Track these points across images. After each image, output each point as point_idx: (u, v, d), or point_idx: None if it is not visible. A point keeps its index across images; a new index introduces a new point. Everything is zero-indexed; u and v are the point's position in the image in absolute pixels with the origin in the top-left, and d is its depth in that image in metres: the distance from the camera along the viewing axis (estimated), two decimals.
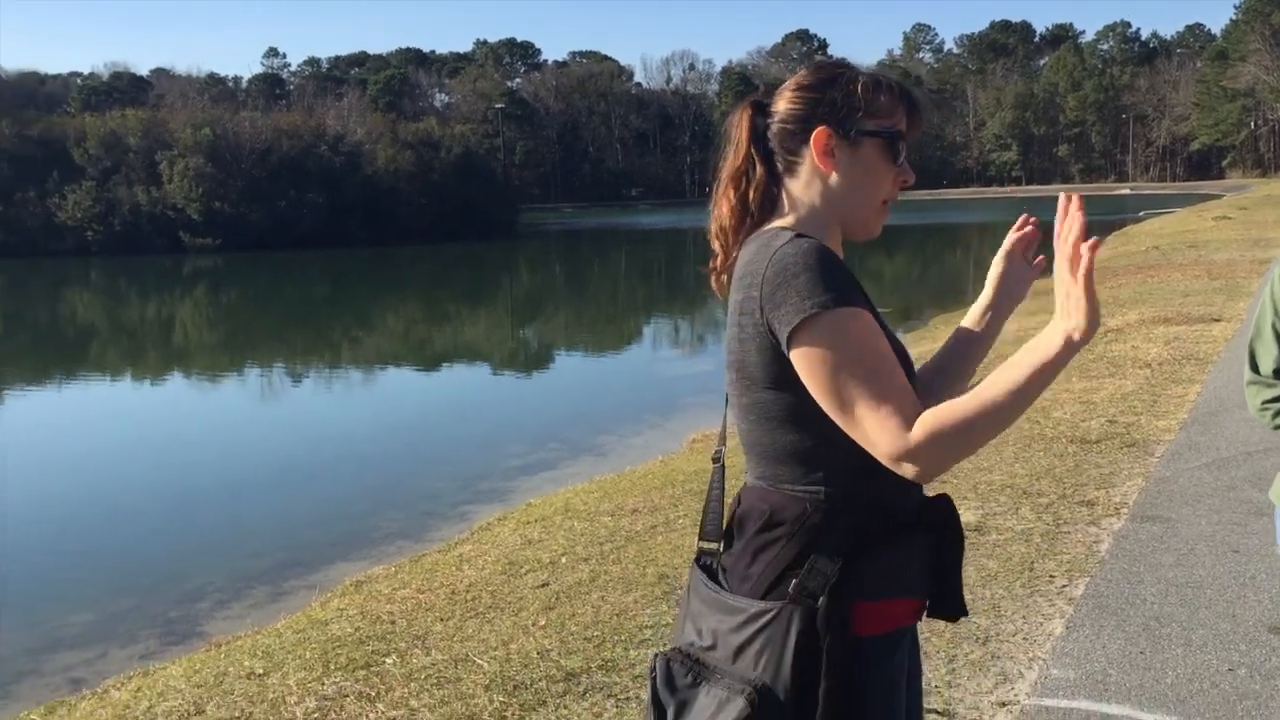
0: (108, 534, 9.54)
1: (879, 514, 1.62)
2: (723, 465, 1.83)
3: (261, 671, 4.37)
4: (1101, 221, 52.55)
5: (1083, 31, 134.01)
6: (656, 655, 1.71)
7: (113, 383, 20.15)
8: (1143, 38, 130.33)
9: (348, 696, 3.94)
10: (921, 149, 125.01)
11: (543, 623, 4.50)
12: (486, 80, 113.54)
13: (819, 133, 1.67)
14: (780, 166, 1.72)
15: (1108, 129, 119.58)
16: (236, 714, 3.92)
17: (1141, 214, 54.34)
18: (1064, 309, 1.42)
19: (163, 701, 4.21)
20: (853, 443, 1.57)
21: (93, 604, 7.60)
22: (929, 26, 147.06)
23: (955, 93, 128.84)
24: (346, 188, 59.45)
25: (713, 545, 1.71)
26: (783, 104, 1.71)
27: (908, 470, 1.50)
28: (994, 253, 1.98)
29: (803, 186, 1.71)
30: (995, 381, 1.46)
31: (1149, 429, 7.28)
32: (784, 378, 1.59)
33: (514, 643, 4.29)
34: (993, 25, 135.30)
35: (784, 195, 1.72)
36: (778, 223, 1.70)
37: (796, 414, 1.60)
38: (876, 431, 1.50)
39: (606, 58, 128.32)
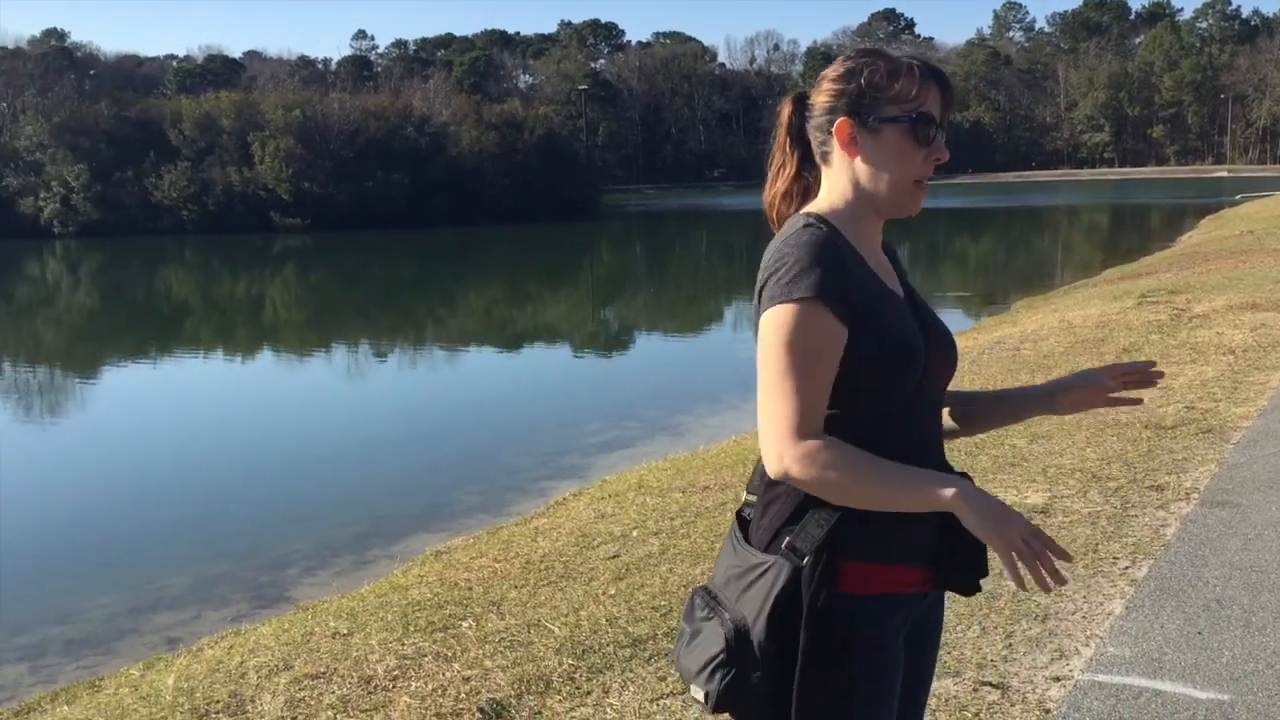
0: (203, 503, 9.95)
1: None
2: None
3: (346, 631, 4.60)
4: (1196, 205, 51.32)
5: (1180, 9, 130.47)
6: (693, 588, 1.87)
7: (205, 358, 20.80)
8: (1243, 15, 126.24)
9: (425, 656, 4.15)
10: (1009, 130, 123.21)
11: (612, 592, 4.67)
12: (570, 61, 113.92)
13: (840, 124, 1.79)
14: (818, 156, 1.85)
15: (1205, 109, 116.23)
16: (321, 669, 4.15)
17: (1238, 197, 52.85)
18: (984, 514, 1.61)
19: (253, 658, 4.46)
20: (856, 412, 1.71)
21: (189, 568, 7.98)
22: (1020, 4, 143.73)
23: (1046, 72, 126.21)
24: (431, 168, 60.27)
25: (752, 497, 1.83)
26: (816, 98, 1.83)
27: (772, 469, 1.67)
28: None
29: (836, 174, 1.82)
30: (884, 471, 1.64)
31: (1226, 415, 7.22)
32: None
33: (584, 610, 4.47)
34: (1086, 3, 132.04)
35: (823, 182, 1.85)
36: (810, 207, 1.83)
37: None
38: (772, 429, 1.66)
39: (690, 38, 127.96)
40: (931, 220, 58.03)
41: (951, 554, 1.79)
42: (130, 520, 9.50)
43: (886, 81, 1.77)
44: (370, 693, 3.89)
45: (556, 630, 4.27)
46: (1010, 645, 3.89)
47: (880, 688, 1.76)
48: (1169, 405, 7.59)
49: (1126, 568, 4.58)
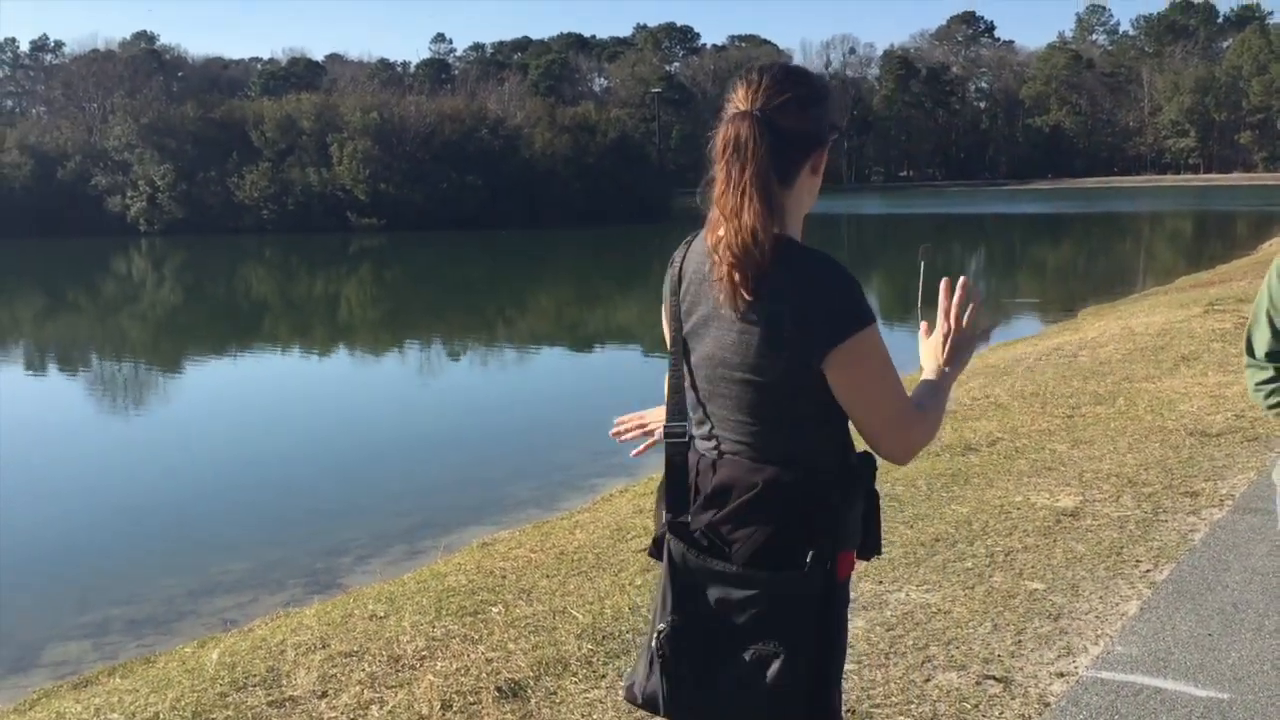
0: (268, 492, 10.29)
1: (850, 479, 1.90)
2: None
3: (382, 614, 4.80)
4: None
5: (1271, 12, 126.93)
6: (663, 633, 1.91)
7: (282, 354, 21.34)
8: None
9: (454, 638, 4.32)
10: (1090, 134, 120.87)
11: (638, 583, 4.81)
12: (645, 65, 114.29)
13: (818, 154, 1.92)
14: (778, 177, 1.85)
15: None
16: (355, 648, 4.34)
17: None
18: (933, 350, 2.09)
19: (294, 636, 4.67)
20: (841, 419, 1.91)
21: (249, 554, 8.27)
22: (1103, 7, 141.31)
23: (1129, 76, 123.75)
24: (505, 170, 60.89)
25: (685, 518, 1.92)
26: (787, 121, 1.85)
27: (904, 450, 1.99)
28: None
29: (795, 196, 1.90)
30: (936, 399, 2.07)
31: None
32: (810, 374, 1.85)
33: (609, 599, 4.61)
34: (1172, 6, 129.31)
35: (784, 204, 1.87)
36: (789, 233, 1.88)
37: (819, 398, 1.88)
38: (897, 420, 1.93)
39: (765, 41, 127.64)
40: (1008, 226, 57.34)
41: (870, 528, 1.95)
42: (197, 507, 9.86)
43: (827, 99, 1.95)
44: (397, 670, 4.07)
45: (580, 617, 4.42)
46: (1020, 642, 3.96)
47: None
48: (1218, 413, 7.54)
49: (1148, 570, 4.61)
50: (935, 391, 2.03)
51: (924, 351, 2.11)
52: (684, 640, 1.89)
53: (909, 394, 1.94)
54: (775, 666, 1.82)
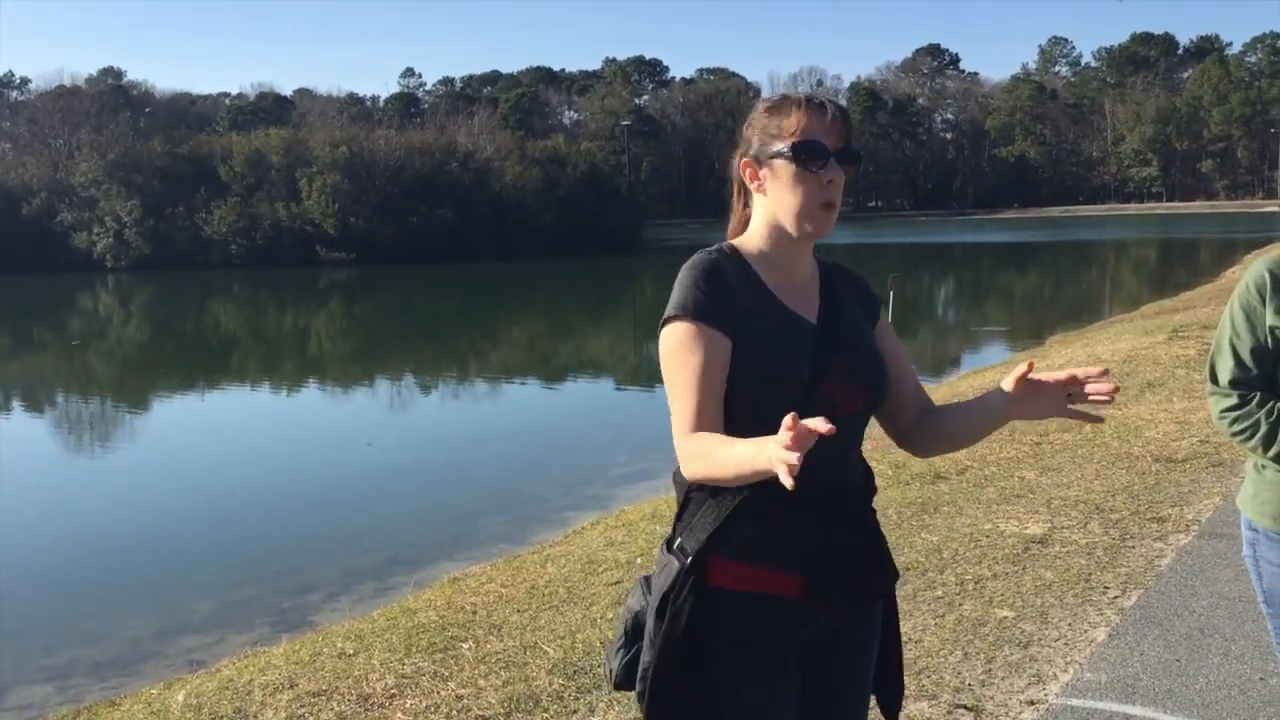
0: (236, 530, 10.16)
1: (760, 488, 1.81)
2: None
3: (351, 652, 4.76)
4: (1246, 239, 50.72)
5: (1229, 43, 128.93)
6: (640, 575, 2.07)
7: (251, 390, 21.18)
8: None
9: (423, 675, 4.29)
10: (1055, 164, 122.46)
11: (610, 616, 4.79)
12: (614, 98, 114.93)
13: (741, 165, 2.00)
14: (751, 198, 2.04)
15: (1255, 144, 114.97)
16: (324, 687, 4.30)
17: None
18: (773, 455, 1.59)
19: (261, 676, 4.62)
20: (737, 424, 1.86)
21: (217, 593, 8.17)
22: (1066, 39, 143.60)
23: (1092, 107, 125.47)
24: (475, 204, 60.95)
25: None
26: (740, 148, 2.03)
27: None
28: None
29: (755, 209, 2.02)
30: (717, 454, 1.73)
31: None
32: None
33: (580, 633, 4.59)
34: (1133, 37, 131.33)
35: (750, 220, 2.04)
36: (732, 240, 2.04)
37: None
38: (673, 426, 1.86)
39: (734, 74, 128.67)
40: (975, 255, 57.84)
41: (827, 563, 1.90)
42: (164, 546, 9.74)
43: (770, 120, 1.95)
44: (367, 709, 4.03)
45: (551, 652, 4.39)
46: (990, 670, 3.97)
47: (740, 684, 1.86)
48: (1184, 439, 7.61)
49: (1116, 597, 4.64)
50: (727, 453, 1.72)
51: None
52: (638, 586, 2.06)
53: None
54: (620, 634, 1.99)
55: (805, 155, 1.90)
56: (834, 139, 1.92)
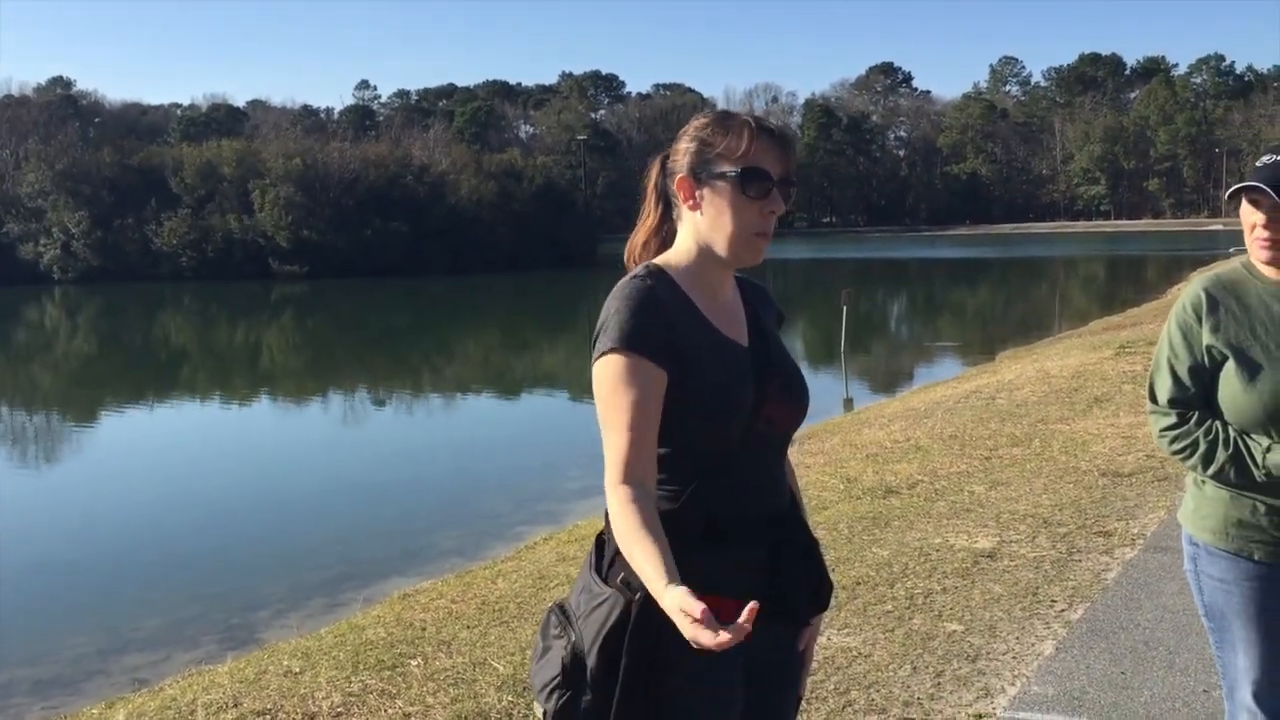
0: (183, 546, 10.02)
1: (708, 520, 1.85)
2: None
3: (297, 670, 4.69)
4: (1191, 257, 51.66)
5: (1175, 64, 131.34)
6: (551, 604, 1.97)
7: (201, 404, 20.93)
8: (1237, 71, 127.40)
9: (371, 693, 4.24)
10: (1006, 182, 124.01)
11: None
12: (570, 112, 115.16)
13: (679, 181, 1.93)
14: (675, 213, 1.98)
15: (1200, 163, 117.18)
16: (269, 706, 4.24)
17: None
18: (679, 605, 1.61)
19: (205, 695, 4.55)
20: (676, 457, 1.84)
21: (163, 611, 8.04)
22: (1016, 59, 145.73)
23: (1042, 125, 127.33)
24: (430, 217, 60.69)
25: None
26: (672, 158, 1.96)
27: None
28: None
29: (684, 227, 1.96)
30: (637, 548, 1.71)
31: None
32: None
33: (530, 649, 4.55)
34: (1082, 58, 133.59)
35: (677, 235, 1.98)
36: (656, 259, 1.97)
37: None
38: (608, 463, 1.80)
39: (690, 90, 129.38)
40: (928, 271, 58.45)
41: (780, 586, 1.90)
42: (108, 562, 9.58)
43: (717, 139, 1.89)
44: None
45: (500, 668, 4.36)
46: (939, 684, 3.98)
47: (697, 715, 1.85)
48: (1130, 454, 7.71)
49: (1062, 610, 4.68)
50: (651, 567, 1.69)
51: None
52: (552, 617, 1.99)
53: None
54: (555, 671, 1.86)
55: (751, 182, 1.87)
56: (779, 168, 1.89)
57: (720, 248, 1.91)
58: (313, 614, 7.62)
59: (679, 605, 1.59)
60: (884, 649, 4.31)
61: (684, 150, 1.93)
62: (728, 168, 1.88)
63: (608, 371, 1.82)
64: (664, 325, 1.83)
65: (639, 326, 1.81)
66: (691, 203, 1.92)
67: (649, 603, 1.76)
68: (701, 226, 1.92)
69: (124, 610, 8.10)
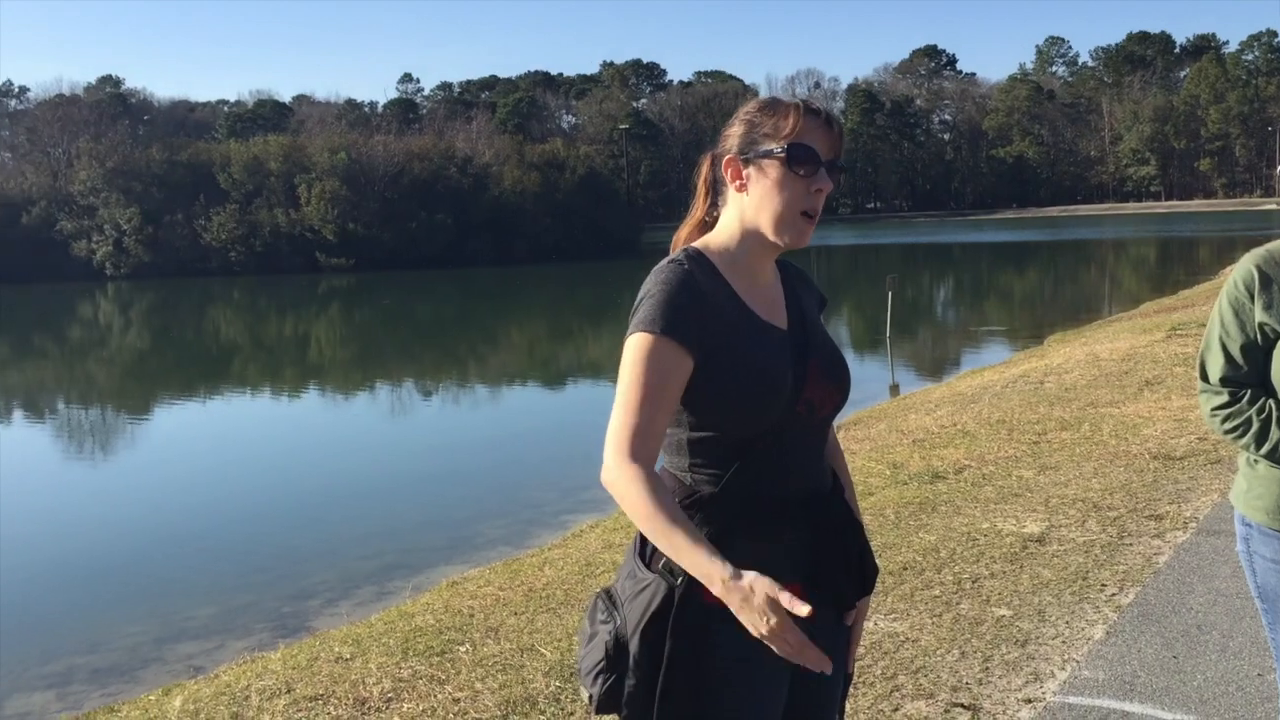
0: (235, 536, 10.16)
1: (748, 503, 1.85)
2: None
3: (348, 656, 4.75)
4: (1244, 237, 50.76)
5: (1226, 42, 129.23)
6: (598, 590, 1.99)
7: (251, 396, 21.18)
8: None
9: (420, 679, 4.28)
10: (1053, 164, 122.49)
11: None
12: (612, 101, 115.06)
13: (726, 162, 1.93)
14: (721, 201, 1.99)
15: (1253, 142, 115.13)
16: (321, 692, 4.29)
17: None
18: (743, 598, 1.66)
19: (258, 681, 4.62)
20: (716, 441, 1.84)
21: (216, 599, 8.17)
22: (1062, 39, 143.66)
23: (1090, 106, 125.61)
24: (474, 208, 61.01)
25: None
26: (720, 146, 1.97)
27: (602, 476, 1.80)
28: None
29: (729, 211, 1.96)
30: (653, 512, 1.72)
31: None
32: None
33: (577, 635, 4.57)
34: (1130, 37, 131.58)
35: (720, 220, 1.98)
36: (696, 242, 1.97)
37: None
38: (610, 439, 1.80)
39: (731, 77, 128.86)
40: (974, 255, 57.88)
41: (822, 568, 1.90)
42: (163, 552, 9.73)
43: (765, 119, 1.90)
44: (363, 714, 4.02)
45: (548, 654, 4.39)
46: (988, 669, 3.96)
47: (742, 699, 1.85)
48: (1181, 437, 7.61)
49: (1113, 594, 4.63)
50: (686, 551, 1.71)
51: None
52: (599, 602, 1.99)
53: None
54: (600, 655, 1.87)
55: (798, 158, 1.86)
56: (827, 149, 1.89)
57: (766, 228, 1.91)
58: (362, 602, 7.71)
59: (764, 590, 1.63)
60: (931, 634, 4.29)
61: (733, 134, 1.94)
62: (775, 145, 1.88)
63: (633, 350, 1.83)
64: (697, 310, 1.83)
65: (670, 310, 1.82)
66: (739, 183, 1.92)
67: (692, 587, 1.78)
68: (748, 207, 1.92)
69: (179, 600, 8.24)
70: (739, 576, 1.66)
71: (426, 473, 12.73)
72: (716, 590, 1.68)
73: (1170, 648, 4.02)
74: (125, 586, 8.76)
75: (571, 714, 3.81)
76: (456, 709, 3.93)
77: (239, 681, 4.75)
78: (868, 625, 4.41)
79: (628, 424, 1.79)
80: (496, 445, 14.33)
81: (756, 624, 1.66)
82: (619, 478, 1.76)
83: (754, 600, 1.64)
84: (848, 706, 3.71)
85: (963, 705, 3.67)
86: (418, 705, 4.02)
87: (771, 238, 1.91)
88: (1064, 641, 4.17)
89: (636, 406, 1.79)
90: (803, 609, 1.62)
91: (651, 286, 1.86)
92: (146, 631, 7.58)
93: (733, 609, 1.67)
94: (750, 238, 1.93)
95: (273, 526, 10.48)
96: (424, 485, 11.99)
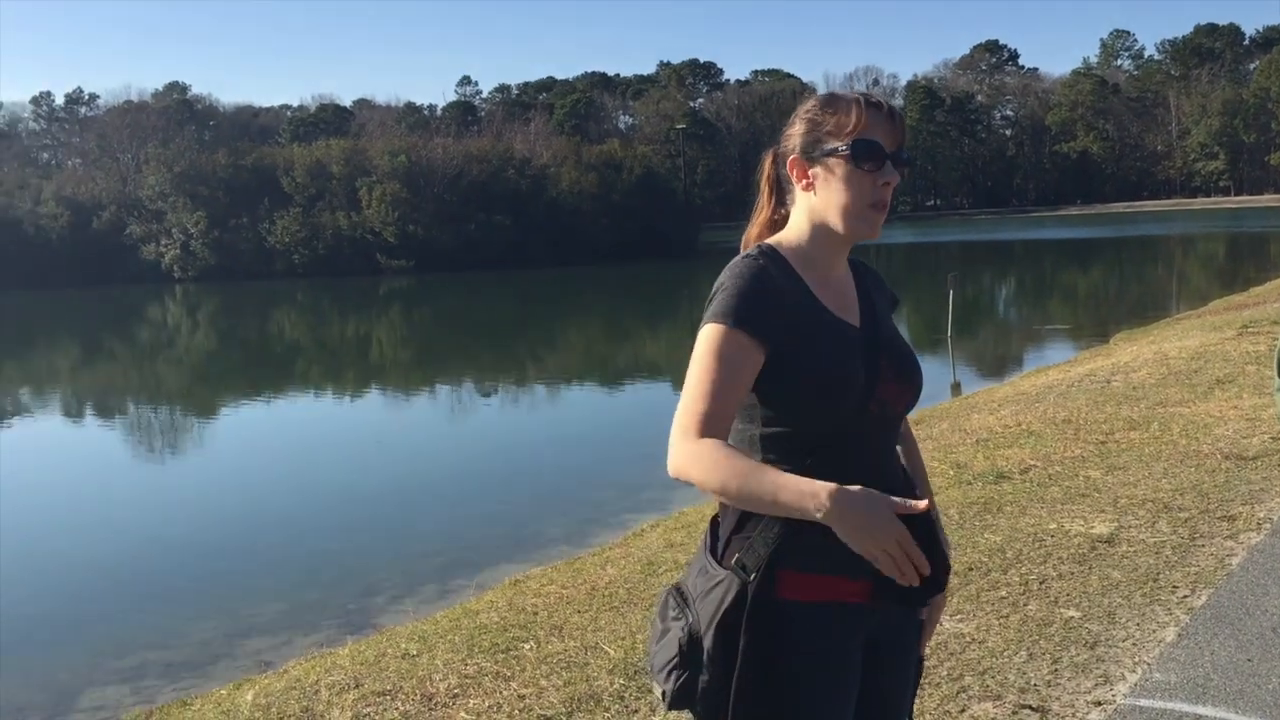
0: (302, 535, 10.33)
1: None
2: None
3: (415, 653, 4.81)
4: None
5: None
6: (668, 586, 1.99)
7: (315, 397, 21.49)
8: None
9: (486, 676, 4.33)
10: (1119, 160, 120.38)
11: None
12: (669, 101, 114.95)
13: (791, 162, 1.95)
14: (788, 199, 2.00)
15: None
16: (388, 687, 4.35)
17: None
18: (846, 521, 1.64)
19: (328, 676, 4.69)
20: (789, 437, 1.85)
21: (284, 596, 8.31)
22: (1128, 32, 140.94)
23: (1156, 100, 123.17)
24: (532, 210, 61.32)
25: None
26: (782, 146, 1.99)
27: (669, 461, 1.79)
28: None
29: (797, 210, 1.98)
30: (732, 466, 1.71)
31: None
32: None
33: (640, 633, 4.60)
34: (1197, 29, 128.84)
35: (789, 219, 2.00)
36: (769, 239, 1.99)
37: (741, 405, 1.87)
38: (676, 425, 1.79)
39: (789, 75, 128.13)
40: (1038, 252, 57.10)
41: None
42: (231, 550, 9.92)
43: (826, 117, 1.92)
44: (430, 709, 4.07)
45: (612, 652, 4.41)
46: (1056, 670, 3.92)
47: (818, 695, 1.85)
48: (1254, 436, 7.45)
49: (1185, 596, 4.56)
50: (776, 488, 1.68)
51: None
52: (669, 599, 1.99)
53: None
54: (673, 652, 1.87)
55: (863, 154, 1.88)
56: (891, 141, 1.90)
57: (836, 223, 1.92)
58: (426, 600, 7.80)
59: (872, 492, 1.63)
60: (999, 635, 4.25)
61: (795, 134, 1.96)
62: (839, 143, 1.89)
63: (705, 341, 1.83)
64: (771, 303, 1.85)
65: (745, 303, 1.83)
66: (805, 183, 1.94)
67: (765, 583, 1.79)
68: (816, 205, 1.94)
69: (247, 596, 8.39)
70: (843, 488, 1.64)
71: (486, 472, 12.85)
72: (822, 505, 1.62)
73: (1244, 650, 3.95)
74: (195, 583, 8.93)
75: (636, 712, 3.83)
76: (522, 705, 3.97)
77: (308, 676, 4.83)
78: None
79: (695, 410, 1.79)
80: (555, 445, 14.41)
81: (864, 529, 1.62)
82: (686, 451, 1.75)
83: (861, 503, 1.63)
84: (914, 707, 3.69)
85: (1030, 707, 3.64)
86: (484, 701, 4.06)
87: (843, 232, 1.93)
88: (1134, 643, 4.11)
89: (706, 395, 1.79)
90: (920, 504, 1.64)
91: (726, 279, 1.88)
92: (217, 627, 7.73)
93: (839, 522, 1.63)
94: (821, 234, 1.95)
95: (337, 526, 10.62)
96: (484, 485, 12.10)
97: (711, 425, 1.78)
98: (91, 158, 78.19)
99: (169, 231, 62.11)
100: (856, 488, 1.65)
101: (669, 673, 1.86)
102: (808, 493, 1.65)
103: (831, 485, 1.65)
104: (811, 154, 1.92)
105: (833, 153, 1.90)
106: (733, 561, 1.84)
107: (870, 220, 1.92)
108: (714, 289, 1.89)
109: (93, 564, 9.62)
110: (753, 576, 1.81)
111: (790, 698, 1.84)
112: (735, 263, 1.91)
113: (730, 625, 1.81)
